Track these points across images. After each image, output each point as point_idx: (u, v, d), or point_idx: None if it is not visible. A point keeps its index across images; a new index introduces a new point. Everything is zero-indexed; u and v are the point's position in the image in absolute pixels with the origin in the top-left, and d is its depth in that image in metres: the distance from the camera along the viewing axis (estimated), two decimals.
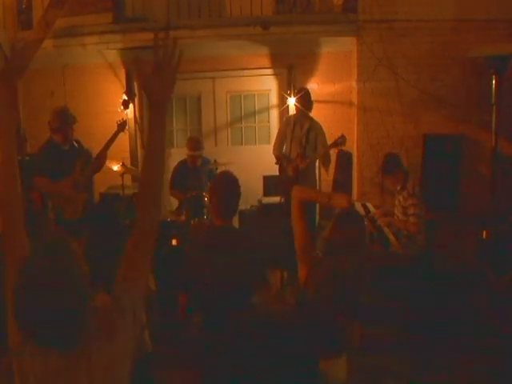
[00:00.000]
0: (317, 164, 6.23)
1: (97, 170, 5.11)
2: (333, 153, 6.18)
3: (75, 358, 1.51)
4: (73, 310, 1.49)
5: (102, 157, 5.04)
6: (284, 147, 6.18)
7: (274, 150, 6.27)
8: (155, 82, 1.65)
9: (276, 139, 6.34)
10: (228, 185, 3.24)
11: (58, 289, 1.46)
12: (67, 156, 4.91)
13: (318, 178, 6.37)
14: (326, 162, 6.04)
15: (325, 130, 6.12)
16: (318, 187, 6.37)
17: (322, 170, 6.31)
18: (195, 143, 6.03)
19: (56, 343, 1.49)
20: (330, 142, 5.92)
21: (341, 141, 5.72)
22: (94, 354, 1.52)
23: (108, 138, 5.09)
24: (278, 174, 6.38)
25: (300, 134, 6.05)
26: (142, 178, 1.78)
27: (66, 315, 1.48)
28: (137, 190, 2.11)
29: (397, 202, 5.21)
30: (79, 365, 1.51)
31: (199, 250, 3.23)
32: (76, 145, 5.07)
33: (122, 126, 5.26)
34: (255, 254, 3.12)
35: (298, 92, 6.15)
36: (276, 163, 6.26)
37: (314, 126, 6.06)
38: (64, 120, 4.92)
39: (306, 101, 6.09)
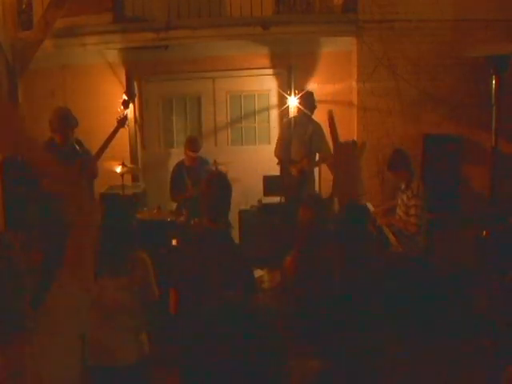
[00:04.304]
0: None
1: (93, 176, 5.02)
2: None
3: (17, 351, 1.52)
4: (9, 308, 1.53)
5: (96, 159, 4.97)
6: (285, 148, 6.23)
7: (276, 151, 6.32)
8: None
9: (278, 141, 6.40)
10: (218, 187, 3.21)
11: None
12: (67, 156, 4.88)
13: (318, 177, 6.39)
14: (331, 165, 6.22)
15: (325, 130, 6.17)
16: (317, 187, 6.39)
17: (323, 169, 6.34)
18: (195, 144, 6.07)
19: None
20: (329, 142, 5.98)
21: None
22: (37, 347, 1.53)
23: (108, 134, 5.07)
24: (278, 174, 6.42)
25: (304, 137, 6.10)
26: None
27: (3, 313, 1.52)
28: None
29: (400, 201, 5.20)
30: (22, 358, 1.51)
31: (189, 249, 3.29)
32: (77, 146, 5.05)
33: (122, 121, 5.23)
34: (240, 257, 3.19)
35: (301, 93, 6.24)
36: (278, 164, 6.31)
37: (317, 130, 6.14)
38: (63, 123, 4.91)
39: (307, 102, 6.15)
